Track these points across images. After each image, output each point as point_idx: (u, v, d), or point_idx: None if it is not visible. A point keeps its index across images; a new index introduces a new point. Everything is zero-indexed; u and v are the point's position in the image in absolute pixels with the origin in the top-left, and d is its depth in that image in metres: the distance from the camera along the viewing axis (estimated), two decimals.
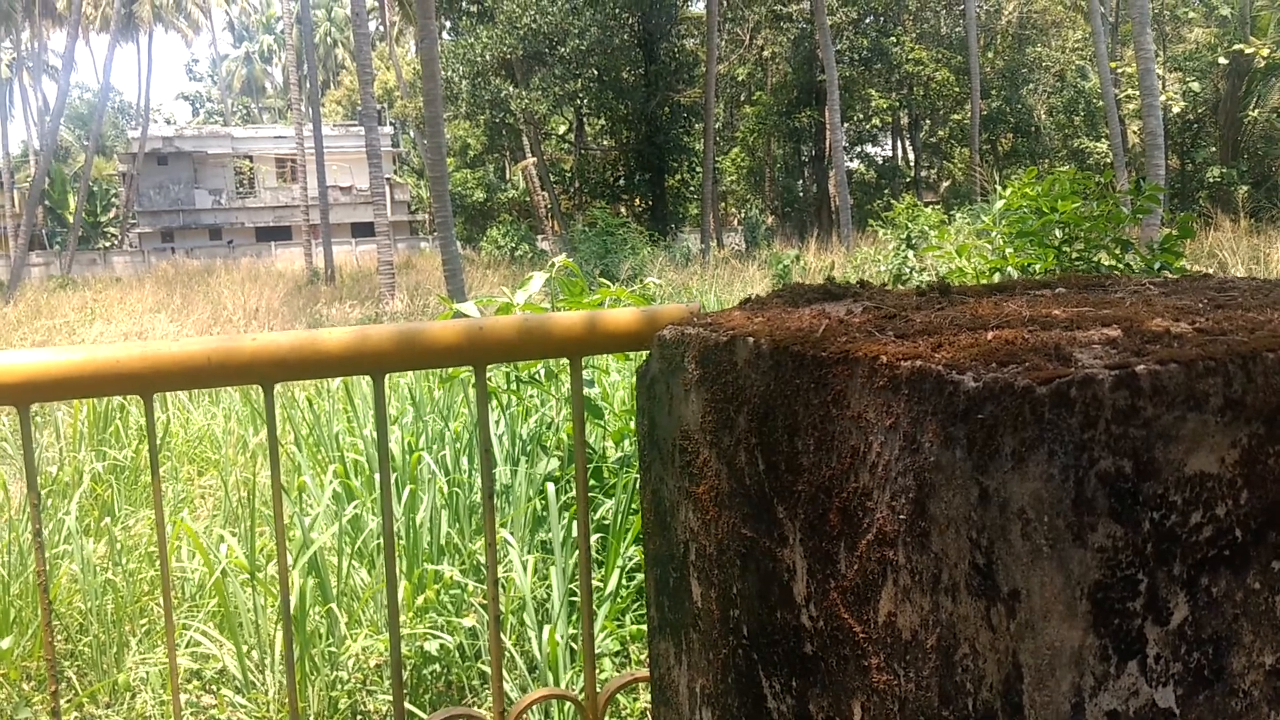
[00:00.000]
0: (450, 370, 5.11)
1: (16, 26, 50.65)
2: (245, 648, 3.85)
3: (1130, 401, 0.72)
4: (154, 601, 4.58)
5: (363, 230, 50.14)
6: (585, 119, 42.13)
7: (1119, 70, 30.98)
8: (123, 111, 76.36)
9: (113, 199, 58.87)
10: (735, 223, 47.21)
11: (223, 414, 7.76)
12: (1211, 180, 31.91)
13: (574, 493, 4.37)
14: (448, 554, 4.24)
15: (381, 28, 52.61)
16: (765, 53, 42.08)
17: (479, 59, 36.06)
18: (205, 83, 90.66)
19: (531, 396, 5.20)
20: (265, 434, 6.90)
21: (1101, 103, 31.56)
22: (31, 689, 3.86)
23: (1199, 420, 0.74)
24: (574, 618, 3.83)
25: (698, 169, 39.90)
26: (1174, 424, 0.73)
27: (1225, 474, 0.75)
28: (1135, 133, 32.98)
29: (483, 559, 4.15)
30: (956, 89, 39.02)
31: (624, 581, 3.93)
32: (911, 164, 45.44)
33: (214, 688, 3.85)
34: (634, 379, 1.33)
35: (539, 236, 38.69)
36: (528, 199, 43.19)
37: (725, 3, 39.64)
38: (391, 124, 56.31)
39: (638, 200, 41.85)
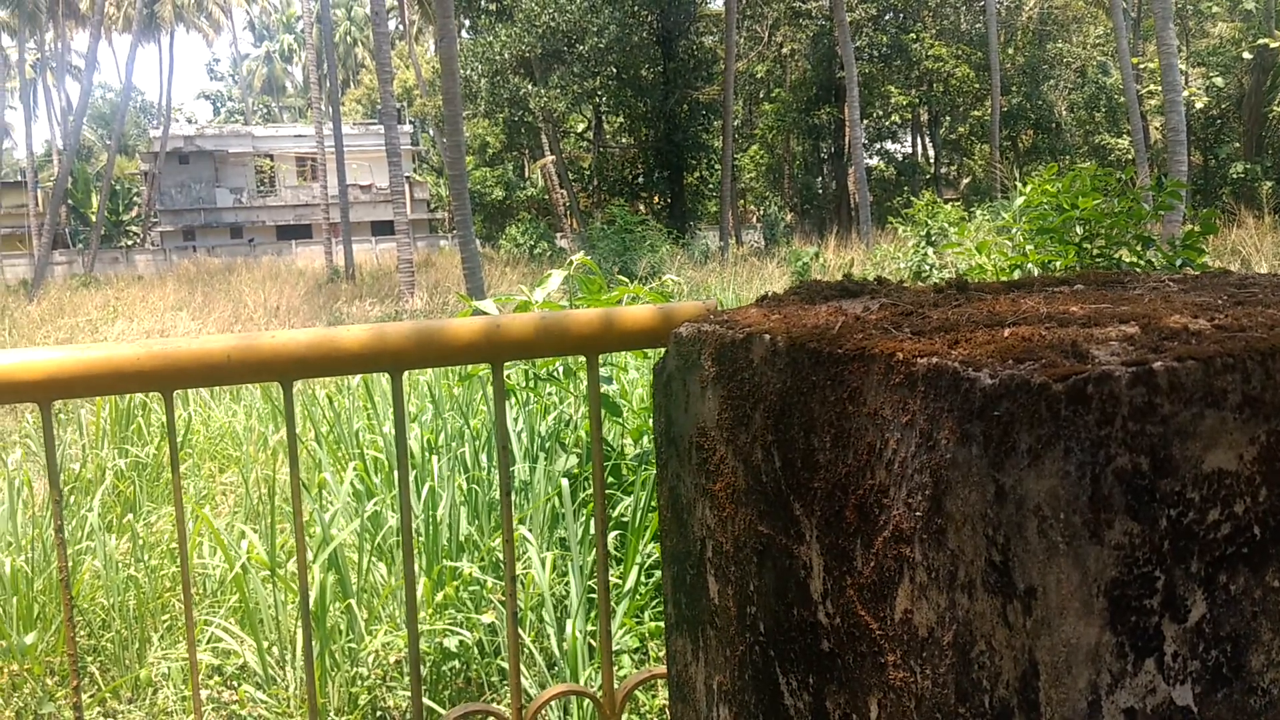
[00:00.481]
0: (470, 368, 5.12)
1: (40, 27, 51.05)
2: (266, 644, 3.87)
3: (1147, 398, 0.72)
4: (176, 598, 4.61)
5: (382, 228, 50.30)
6: (604, 117, 42.15)
7: (1141, 66, 30.80)
8: (145, 111, 76.93)
9: (135, 198, 59.27)
10: (754, 220, 47.17)
11: (244, 411, 7.81)
12: (1235, 176, 31.65)
13: (592, 490, 4.38)
14: (467, 551, 4.25)
15: (401, 26, 52.76)
16: (784, 50, 42.00)
17: (498, 57, 36.13)
18: (226, 82, 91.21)
19: (550, 394, 5.21)
20: (285, 431, 6.94)
21: (1123, 99, 31.36)
22: (55, 684, 3.90)
23: (1217, 417, 0.73)
24: (592, 614, 3.83)
25: (716, 166, 39.88)
26: (1191, 421, 0.73)
27: (1244, 471, 0.74)
28: (1157, 129, 32.76)
29: (501, 556, 4.16)
30: (976, 85, 38.85)
31: (643, 578, 3.93)
32: (931, 161, 45.27)
33: (235, 683, 3.87)
34: (652, 376, 1.33)
35: (558, 234, 38.74)
36: (546, 197, 43.24)
37: (744, 0, 39.58)
38: (411, 122, 56.50)
39: (656, 198, 41.85)
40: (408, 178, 49.97)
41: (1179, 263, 6.12)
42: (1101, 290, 1.15)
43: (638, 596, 3.88)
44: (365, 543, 4.27)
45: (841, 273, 19.59)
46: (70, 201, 53.09)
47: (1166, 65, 19.89)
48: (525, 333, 1.41)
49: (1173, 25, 20.54)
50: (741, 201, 47.53)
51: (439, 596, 3.88)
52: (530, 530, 4.15)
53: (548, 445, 4.72)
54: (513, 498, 4.44)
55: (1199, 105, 31.09)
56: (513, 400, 4.93)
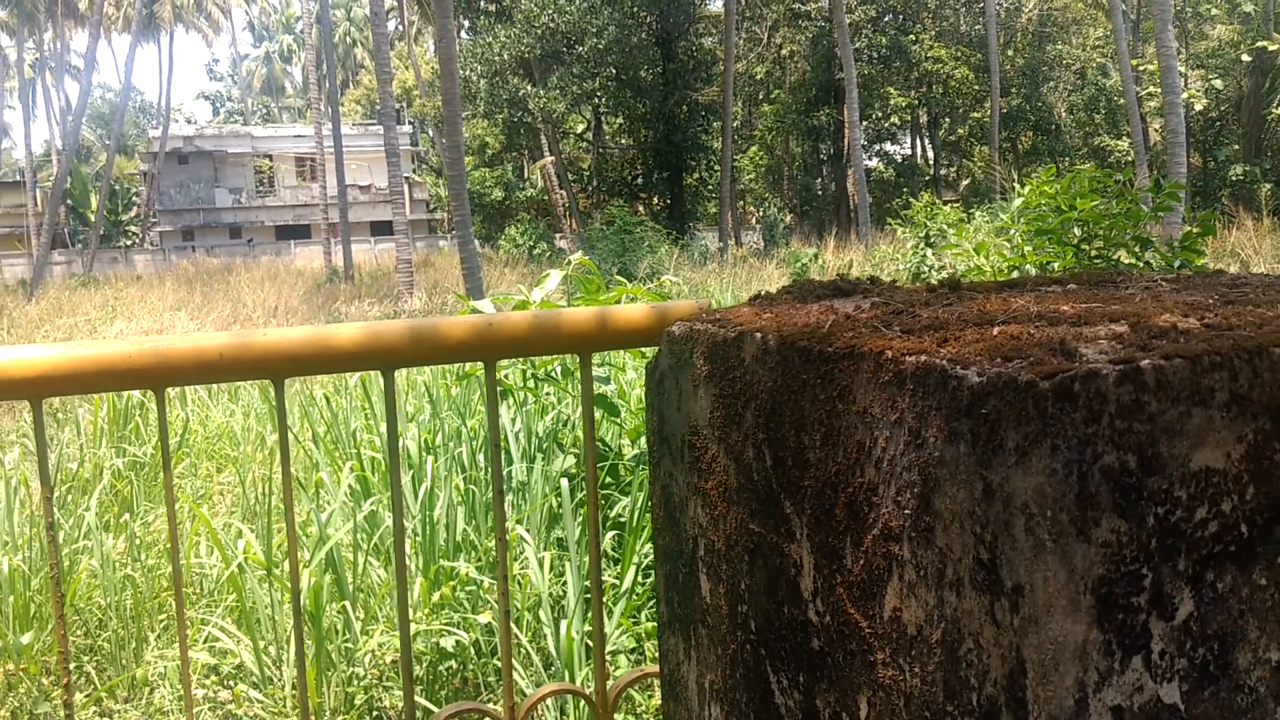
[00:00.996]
0: (468, 367, 5.12)
1: (39, 27, 51.03)
2: (263, 643, 3.87)
3: (1135, 396, 0.72)
4: (172, 597, 4.61)
5: (381, 229, 50.27)
6: (603, 118, 42.14)
7: (1140, 68, 30.80)
8: (144, 111, 76.89)
9: (134, 198, 59.27)
10: (753, 221, 47.12)
11: (241, 411, 7.81)
12: (1234, 178, 31.68)
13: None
14: (464, 550, 4.25)
15: (400, 27, 52.74)
16: (783, 51, 42.00)
17: (497, 58, 36.12)
18: (225, 82, 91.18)
19: (548, 394, 5.21)
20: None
21: (1123, 100, 31.38)
22: (51, 683, 3.90)
23: (1204, 415, 0.73)
24: (589, 614, 3.83)
25: (716, 167, 39.86)
26: (1179, 419, 0.73)
27: (1231, 469, 0.75)
28: (1157, 131, 32.76)
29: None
30: (976, 87, 38.84)
31: (639, 578, 3.93)
32: (931, 162, 45.27)
33: (231, 682, 3.87)
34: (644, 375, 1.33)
35: (557, 235, 38.73)
36: (546, 197, 43.23)
37: (743, 1, 39.58)
38: (410, 123, 56.47)
39: (655, 199, 41.84)
40: (407, 178, 49.99)
41: (1178, 264, 6.12)
42: (1094, 290, 1.15)
43: (635, 597, 3.88)
44: (362, 543, 4.27)
45: (839, 274, 19.58)
46: (69, 201, 53.08)
47: (1166, 67, 19.90)
48: (518, 331, 1.41)
49: (1172, 27, 20.54)
50: (741, 203, 47.52)
51: (435, 596, 3.87)
52: (528, 530, 4.15)
53: (545, 445, 4.72)
54: (510, 498, 4.44)
55: (1198, 107, 31.10)
56: (511, 400, 4.93)
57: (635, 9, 37.13)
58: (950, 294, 1.16)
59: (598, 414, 4.72)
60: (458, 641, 3.78)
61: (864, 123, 38.25)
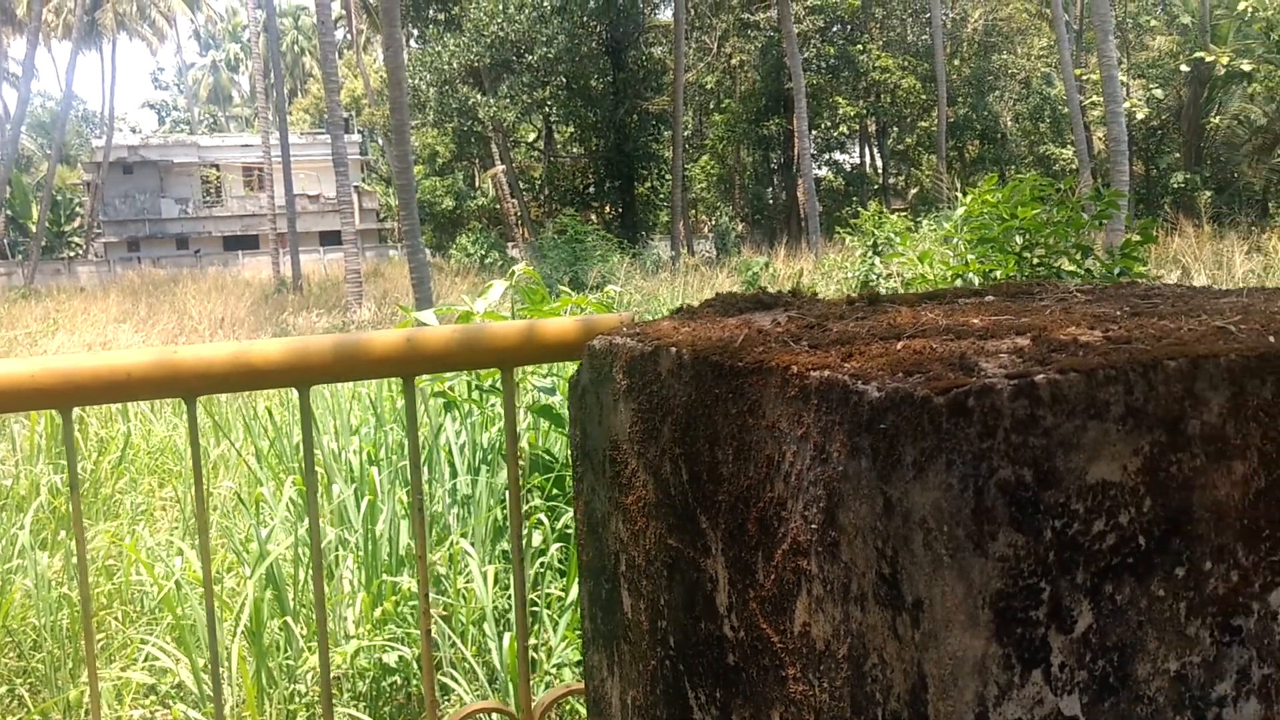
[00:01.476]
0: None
1: None
2: (201, 661, 3.81)
3: (1030, 410, 0.72)
4: (111, 615, 4.53)
5: (331, 239, 49.85)
6: (554, 127, 42.11)
7: (1083, 77, 31.32)
8: (87, 120, 75.64)
9: (77, 208, 58.25)
10: (706, 230, 47.30)
11: (184, 426, 7.69)
12: (1175, 186, 32.29)
13: (536, 501, 4.36)
14: (407, 564, 4.21)
15: (349, 36, 52.39)
16: (733, 61, 42.20)
17: (446, 67, 35.98)
18: (171, 91, 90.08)
19: (493, 405, 5.18)
20: (225, 446, 6.84)
21: (1066, 109, 31.86)
22: None
23: (1100, 429, 0.74)
24: (536, 628, 3.81)
25: (667, 176, 39.96)
26: (1075, 433, 0.73)
27: (1128, 482, 0.75)
28: (1100, 139, 33.34)
29: (443, 570, 4.12)
30: (923, 96, 39.28)
31: None
32: (879, 171, 45.70)
33: (170, 702, 3.80)
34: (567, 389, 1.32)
35: (509, 244, 38.62)
36: (497, 206, 43.09)
37: (693, 11, 39.75)
38: (359, 132, 56.07)
39: (607, 208, 41.88)
40: (356, 187, 49.60)
41: (1117, 271, 6.23)
42: (1009, 301, 1.16)
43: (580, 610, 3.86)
44: (303, 557, 4.21)
45: (791, 283, 19.71)
46: (9, 212, 52.06)
47: (1108, 77, 20.26)
48: (440, 346, 1.39)
49: (1113, 38, 20.93)
50: (693, 211, 47.65)
51: (378, 612, 3.83)
52: (473, 543, 4.12)
53: (490, 457, 4.69)
54: (456, 510, 4.41)
55: (1140, 116, 31.70)
56: (456, 412, 4.90)
57: (585, 18, 37.18)
58: (866, 307, 1.16)
59: (544, 425, 4.70)
60: (401, 657, 3.75)
61: (813, 132, 38.54)
